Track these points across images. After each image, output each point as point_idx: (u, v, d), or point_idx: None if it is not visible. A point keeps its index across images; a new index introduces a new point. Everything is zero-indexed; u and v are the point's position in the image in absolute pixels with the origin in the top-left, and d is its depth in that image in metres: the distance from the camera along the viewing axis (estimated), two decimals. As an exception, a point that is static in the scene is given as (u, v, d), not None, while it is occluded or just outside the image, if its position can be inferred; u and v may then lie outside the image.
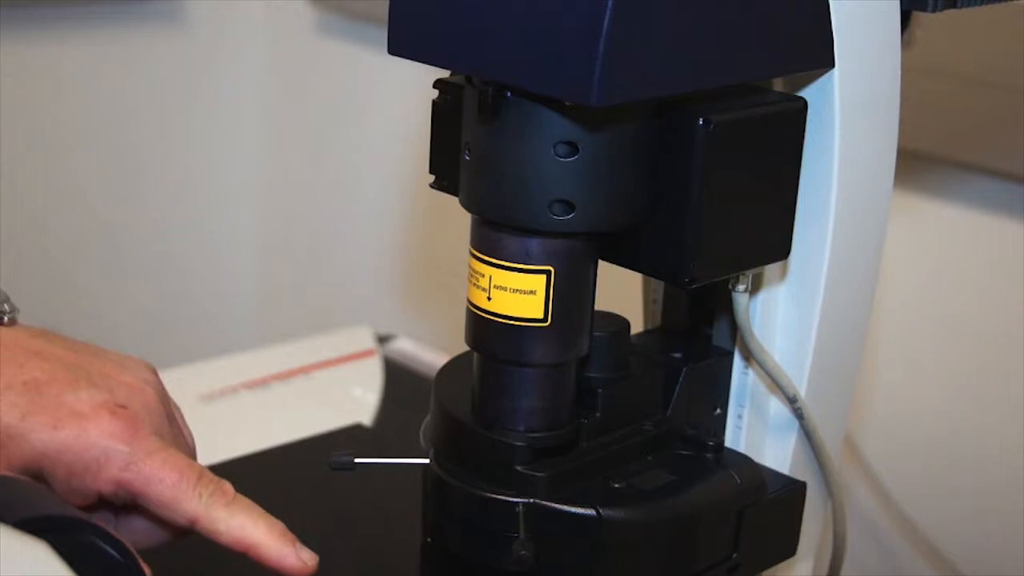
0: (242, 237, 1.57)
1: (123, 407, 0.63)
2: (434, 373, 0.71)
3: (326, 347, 1.15)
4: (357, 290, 1.46)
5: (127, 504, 0.63)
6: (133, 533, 0.65)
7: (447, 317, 1.33)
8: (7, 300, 0.68)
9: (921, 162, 1.05)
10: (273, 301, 1.54)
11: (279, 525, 0.64)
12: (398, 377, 1.12)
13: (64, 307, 1.44)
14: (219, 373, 1.10)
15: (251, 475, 0.94)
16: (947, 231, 1.08)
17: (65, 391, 0.62)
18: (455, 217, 0.69)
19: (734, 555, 0.69)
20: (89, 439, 0.61)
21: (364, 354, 1.15)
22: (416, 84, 0.68)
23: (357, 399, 1.08)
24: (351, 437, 0.99)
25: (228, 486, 0.64)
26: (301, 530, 0.87)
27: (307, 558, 0.63)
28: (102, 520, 0.63)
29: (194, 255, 1.57)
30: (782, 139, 0.66)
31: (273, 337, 1.20)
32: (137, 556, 0.60)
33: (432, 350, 1.16)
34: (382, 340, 1.18)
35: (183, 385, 1.08)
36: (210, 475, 0.63)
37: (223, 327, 1.52)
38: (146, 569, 0.60)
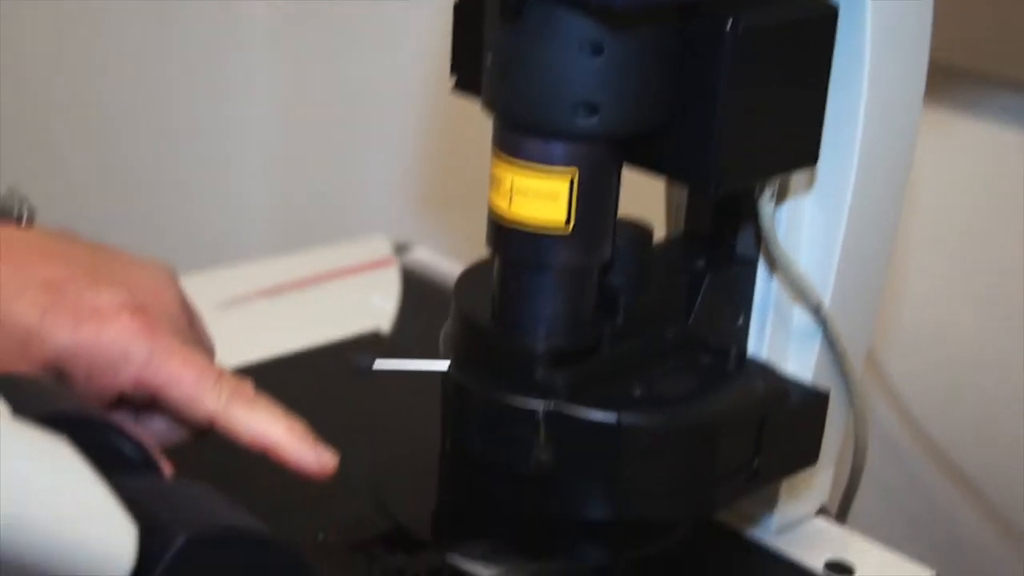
0: (260, 144, 1.56)
1: (143, 308, 0.63)
2: (452, 282, 0.71)
3: (343, 256, 1.15)
4: (375, 199, 1.46)
5: (146, 403, 0.63)
6: (152, 432, 0.65)
7: (465, 227, 1.32)
8: (25, 200, 0.68)
9: (952, 76, 1.04)
10: (290, 209, 1.53)
11: (299, 425, 0.64)
12: (416, 286, 1.12)
13: (78, 215, 1.44)
14: (236, 281, 1.10)
15: (268, 381, 0.93)
16: (978, 146, 1.06)
17: (85, 291, 0.62)
18: (475, 124, 0.68)
19: (754, 463, 0.69)
20: (109, 338, 0.61)
21: (382, 263, 1.14)
22: (437, 27, 0.67)
23: (375, 307, 1.08)
24: (369, 344, 0.99)
25: (248, 386, 0.64)
26: (321, 433, 0.87)
27: (327, 460, 0.64)
28: (122, 418, 0.63)
29: (211, 163, 1.56)
30: (811, 45, 0.65)
31: (290, 246, 1.20)
32: (155, 453, 0.60)
33: (450, 259, 1.16)
34: (400, 249, 1.18)
35: (199, 292, 1.07)
36: (230, 375, 0.63)
37: (240, 235, 1.51)
38: (167, 466, 0.60)
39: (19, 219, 0.68)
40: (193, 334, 0.67)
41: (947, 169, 1.07)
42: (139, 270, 0.66)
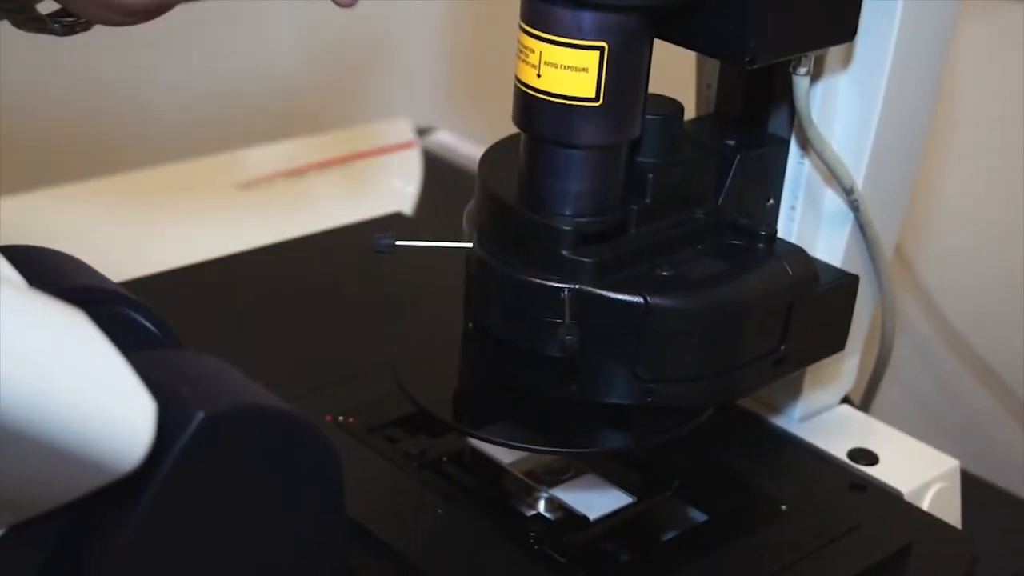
0: (282, 25, 1.53)
1: None
2: (474, 166, 0.69)
3: (365, 137, 1.12)
4: (398, 81, 1.43)
5: None
6: None
7: (488, 111, 1.30)
8: None
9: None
10: (311, 91, 1.51)
11: None
12: (437, 169, 1.10)
13: (105, 89, 1.41)
14: (256, 161, 1.08)
15: (291, 260, 0.92)
16: (1020, 31, 1.03)
17: None
18: (497, 7, 0.65)
19: (782, 347, 0.67)
20: None
21: (403, 145, 1.12)
22: None
23: (396, 190, 1.06)
24: (391, 225, 0.97)
25: None
26: (343, 314, 0.86)
27: None
28: None
29: (234, 41, 1.53)
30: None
31: (311, 127, 1.18)
32: (172, 330, 0.59)
33: (472, 143, 1.14)
34: (421, 132, 1.15)
35: (219, 173, 1.06)
36: None
37: (260, 115, 1.49)
38: None
39: None
40: None
41: (988, 55, 1.04)
42: None
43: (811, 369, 0.74)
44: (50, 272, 0.58)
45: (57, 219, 0.95)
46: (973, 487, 0.78)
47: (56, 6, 0.63)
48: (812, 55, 0.65)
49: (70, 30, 0.64)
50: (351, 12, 0.61)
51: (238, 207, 1.02)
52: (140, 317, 0.58)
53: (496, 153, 0.69)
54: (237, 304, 0.86)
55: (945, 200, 1.07)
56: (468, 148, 1.13)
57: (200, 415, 0.50)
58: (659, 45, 0.63)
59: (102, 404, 0.49)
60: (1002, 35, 1.02)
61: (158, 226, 0.97)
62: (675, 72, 0.73)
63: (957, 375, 1.08)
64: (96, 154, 1.36)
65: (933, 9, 0.69)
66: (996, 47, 1.03)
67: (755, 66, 0.61)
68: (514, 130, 0.65)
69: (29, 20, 0.63)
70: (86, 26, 0.63)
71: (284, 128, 1.17)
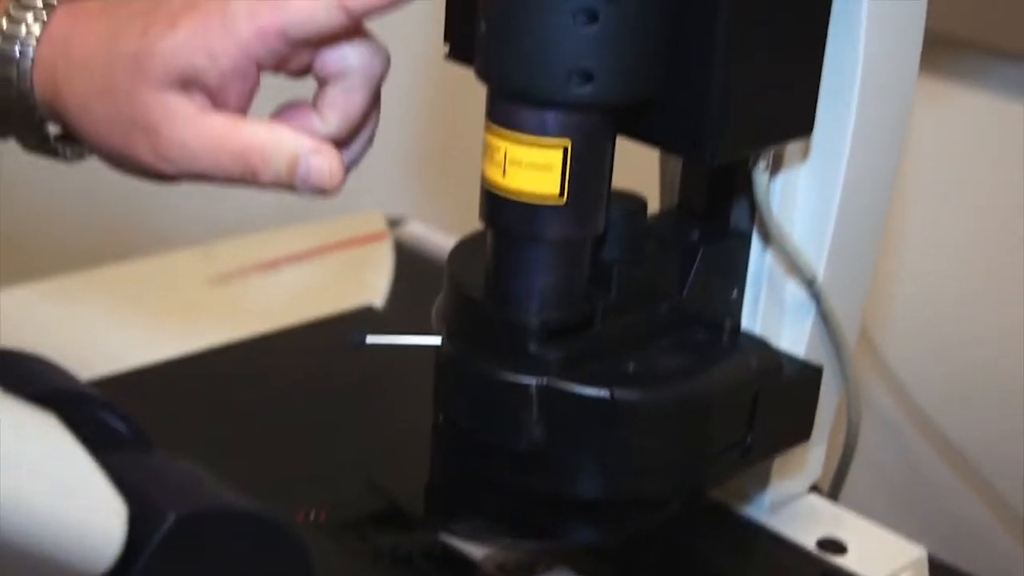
0: (252, 114, 1.55)
1: None
2: (445, 257, 0.70)
3: (337, 230, 1.13)
4: (368, 173, 1.44)
5: (293, 67, 0.61)
6: (337, 105, 0.62)
7: (458, 201, 1.31)
8: None
9: (949, 45, 1.03)
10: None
11: None
12: (409, 260, 1.11)
13: (70, 179, 1.42)
14: (229, 255, 1.09)
15: (263, 356, 0.93)
16: (976, 118, 1.05)
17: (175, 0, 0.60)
18: (468, 98, 0.67)
19: (747, 438, 0.68)
20: (207, 15, 0.58)
21: (375, 237, 1.13)
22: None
23: (368, 282, 1.06)
24: (362, 319, 0.98)
25: None
26: (313, 409, 0.86)
27: None
28: (297, 115, 0.61)
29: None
30: (807, 10, 0.64)
31: (284, 219, 1.19)
32: (144, 431, 0.59)
33: (443, 233, 1.15)
34: (393, 223, 1.16)
35: (193, 267, 1.07)
36: None
37: (233, 208, 1.50)
38: None
39: None
40: None
41: (944, 140, 1.06)
42: None
43: (778, 459, 0.75)
44: (21, 374, 0.59)
45: (26, 316, 0.95)
46: (942, 574, 0.79)
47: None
48: (771, 151, 0.67)
49: (78, 156, 0.65)
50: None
51: (210, 302, 1.02)
52: (112, 418, 0.58)
53: (464, 249, 0.70)
54: (209, 401, 0.87)
55: (906, 279, 1.09)
56: (439, 238, 1.14)
57: (171, 516, 0.51)
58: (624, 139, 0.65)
59: (73, 507, 0.49)
60: (954, 120, 1.05)
61: (130, 322, 0.98)
62: (640, 165, 0.74)
63: (925, 457, 1.09)
64: (66, 249, 1.36)
65: (888, 102, 0.70)
66: (949, 131, 1.05)
67: (716, 163, 0.62)
68: (483, 222, 0.66)
69: (38, 141, 0.64)
70: (91, 152, 0.64)
71: (257, 221, 1.18)
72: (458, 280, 0.67)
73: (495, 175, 0.63)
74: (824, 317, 0.72)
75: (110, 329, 0.96)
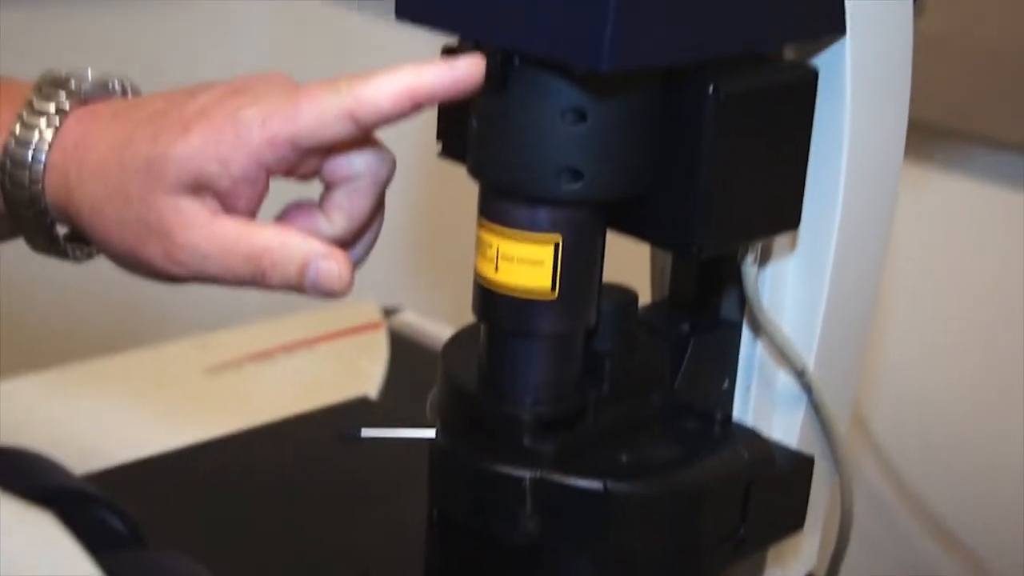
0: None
1: (244, 89, 0.61)
2: (440, 346, 0.70)
3: (332, 319, 1.14)
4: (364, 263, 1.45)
5: (302, 172, 0.61)
6: (344, 208, 0.62)
7: (453, 290, 1.32)
8: (127, 80, 0.66)
9: (932, 135, 1.04)
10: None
11: (427, 63, 0.60)
12: (404, 350, 1.11)
13: (67, 271, 1.43)
14: (224, 346, 1.09)
15: (257, 448, 0.93)
16: (960, 205, 1.06)
17: (186, 104, 0.61)
18: (462, 188, 0.68)
19: (741, 529, 0.68)
20: (219, 122, 0.59)
21: (370, 326, 1.14)
22: (424, 50, 0.67)
23: (363, 371, 1.07)
24: (357, 409, 0.98)
25: (364, 73, 0.60)
26: (309, 502, 0.86)
27: (469, 65, 0.59)
28: (302, 217, 0.62)
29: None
30: (792, 109, 0.65)
31: (279, 309, 1.19)
32: (141, 529, 0.60)
33: (438, 323, 1.15)
34: (388, 313, 1.17)
35: (188, 358, 1.07)
36: (342, 77, 0.60)
37: (228, 299, 1.51)
38: None
39: (123, 93, 0.66)
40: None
41: (929, 227, 1.07)
42: (238, 78, 0.63)
43: (773, 548, 0.75)
44: (17, 471, 0.59)
45: (22, 409, 0.95)
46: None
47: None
48: (759, 244, 0.68)
49: (87, 257, 0.66)
50: (315, 186, 0.64)
51: (206, 393, 1.03)
52: (109, 516, 0.59)
53: (458, 342, 0.71)
54: (204, 495, 0.87)
55: (897, 365, 1.10)
56: (434, 328, 1.15)
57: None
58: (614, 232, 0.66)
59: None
60: (936, 206, 1.06)
61: (126, 415, 0.98)
62: (631, 258, 0.75)
63: (921, 541, 1.09)
64: (62, 341, 1.37)
65: (873, 191, 0.71)
66: (932, 217, 1.06)
67: (703, 257, 0.63)
68: (477, 311, 0.67)
69: (47, 242, 0.65)
70: (101, 253, 0.65)
71: (252, 311, 1.19)
72: (452, 373, 0.67)
73: (487, 270, 0.64)
74: (815, 407, 0.72)
75: (107, 422, 0.96)
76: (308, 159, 0.61)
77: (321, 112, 0.58)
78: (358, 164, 0.62)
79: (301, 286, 0.61)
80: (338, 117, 0.59)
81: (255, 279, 0.60)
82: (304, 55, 1.54)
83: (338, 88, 0.59)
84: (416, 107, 0.59)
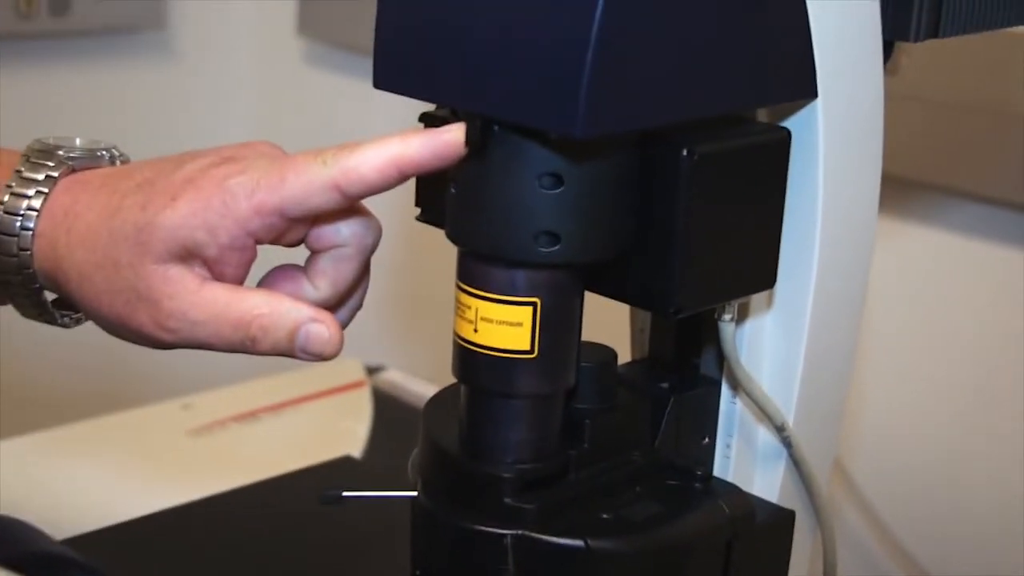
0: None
1: (232, 158, 0.62)
2: (423, 403, 0.71)
3: (315, 379, 1.15)
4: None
5: (289, 239, 0.62)
6: (328, 276, 0.63)
7: (436, 348, 1.32)
8: (116, 149, 0.67)
9: (906, 188, 1.06)
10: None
11: (412, 132, 0.61)
12: (388, 408, 1.12)
13: (41, 340, 1.43)
14: (208, 406, 1.10)
15: (241, 509, 0.93)
16: (933, 256, 1.08)
17: (173, 173, 0.61)
18: (442, 249, 0.69)
19: (723, 585, 0.68)
20: (207, 191, 0.60)
21: (353, 385, 1.14)
22: (402, 116, 0.68)
23: (347, 431, 1.07)
24: (340, 469, 0.98)
25: (351, 144, 0.61)
26: (291, 564, 0.87)
27: (455, 133, 0.60)
28: (289, 284, 0.63)
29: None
30: (766, 169, 0.66)
31: (263, 369, 1.20)
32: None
33: (421, 381, 1.16)
34: (371, 371, 1.18)
35: (172, 419, 1.07)
36: (329, 147, 0.61)
37: (210, 359, 1.51)
38: None
39: (112, 162, 0.66)
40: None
41: (904, 277, 1.08)
42: (226, 146, 0.64)
43: (755, 602, 0.75)
44: (4, 539, 0.59)
45: (2, 473, 0.95)
46: None
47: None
48: (736, 302, 0.68)
49: (76, 323, 0.67)
50: (300, 251, 0.65)
51: (190, 454, 1.03)
52: (87, 580, 0.59)
53: (438, 402, 0.71)
54: (187, 557, 0.87)
55: (876, 412, 1.10)
56: (418, 386, 1.15)
57: None
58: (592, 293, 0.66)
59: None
60: (912, 257, 1.07)
61: (110, 478, 0.98)
62: (610, 317, 0.76)
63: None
64: (43, 403, 1.37)
65: (849, 246, 0.72)
66: (908, 268, 1.07)
67: (680, 316, 0.64)
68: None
69: (36, 309, 0.65)
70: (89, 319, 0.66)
71: (235, 371, 1.19)
72: (433, 433, 0.68)
73: (467, 331, 0.64)
74: (796, 462, 0.73)
75: (89, 486, 0.96)
76: (295, 227, 0.62)
77: (308, 182, 0.59)
78: (344, 232, 0.63)
79: (291, 351, 0.62)
80: (324, 188, 0.59)
81: (245, 345, 0.61)
82: (288, 118, 1.55)
83: (324, 159, 0.60)
84: (402, 178, 0.60)
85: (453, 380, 0.68)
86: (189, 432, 1.06)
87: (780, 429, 0.72)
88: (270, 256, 0.65)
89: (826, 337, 0.72)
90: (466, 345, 0.65)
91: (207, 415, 1.08)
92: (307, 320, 0.61)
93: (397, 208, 0.78)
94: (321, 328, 0.61)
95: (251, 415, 1.09)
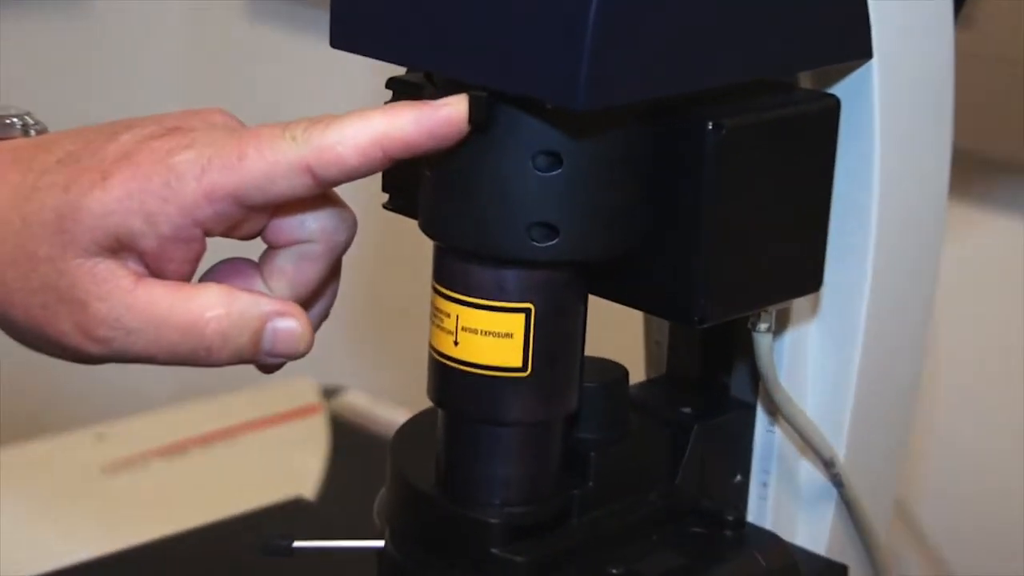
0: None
1: (177, 129, 0.61)
2: (390, 433, 0.72)
3: (259, 403, 1.15)
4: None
5: (244, 232, 0.61)
6: (283, 272, 0.63)
7: (406, 365, 1.33)
8: (29, 116, 0.66)
9: (983, 166, 1.06)
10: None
11: (396, 103, 0.60)
12: (348, 438, 1.12)
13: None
14: (126, 437, 1.10)
15: (167, 564, 0.94)
16: (1017, 248, 1.08)
17: (104, 146, 0.60)
18: (414, 244, 0.69)
19: (759, 655, 0.69)
20: (145, 168, 0.59)
21: (306, 410, 1.15)
22: (365, 82, 0.69)
23: (297, 467, 1.08)
24: (289, 514, 0.99)
25: (323, 115, 0.60)
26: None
27: (454, 106, 0.59)
28: (244, 280, 0.62)
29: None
30: (809, 146, 0.67)
31: (192, 390, 1.20)
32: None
33: (388, 405, 1.16)
34: (328, 393, 1.18)
35: (82, 453, 1.08)
36: (297, 120, 0.60)
37: (130, 379, 1.52)
38: None
39: (25, 132, 0.66)
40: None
41: (981, 276, 1.09)
42: (169, 113, 0.63)
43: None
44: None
45: None
46: None
47: None
48: (773, 309, 0.69)
49: None
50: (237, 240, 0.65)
51: (103, 496, 1.04)
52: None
53: (410, 431, 0.72)
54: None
55: (945, 444, 1.11)
56: (384, 410, 1.16)
57: None
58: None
59: None
60: (992, 253, 1.08)
61: (3, 525, 0.98)
62: (620, 325, 0.76)
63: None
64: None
65: (912, 239, 0.73)
66: (980, 265, 1.08)
67: (706, 325, 0.64)
68: (434, 393, 0.68)
69: None
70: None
71: (157, 394, 1.20)
72: (404, 470, 0.69)
73: (445, 344, 0.65)
74: (848, 504, 0.73)
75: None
76: (253, 217, 0.61)
77: (272, 163, 0.59)
78: (311, 226, 0.62)
79: (256, 356, 0.61)
80: (292, 170, 0.59)
81: (197, 356, 0.60)
82: (227, 83, 1.55)
83: (293, 134, 0.59)
84: (387, 161, 0.59)
85: (428, 404, 0.69)
86: (103, 468, 1.07)
87: (829, 464, 0.72)
88: (219, 250, 0.64)
89: (885, 351, 0.73)
90: (444, 361, 0.65)
91: (125, 447, 1.09)
92: (273, 314, 0.61)
93: (360, 193, 0.78)
94: (290, 322, 0.61)
95: (178, 447, 1.10)
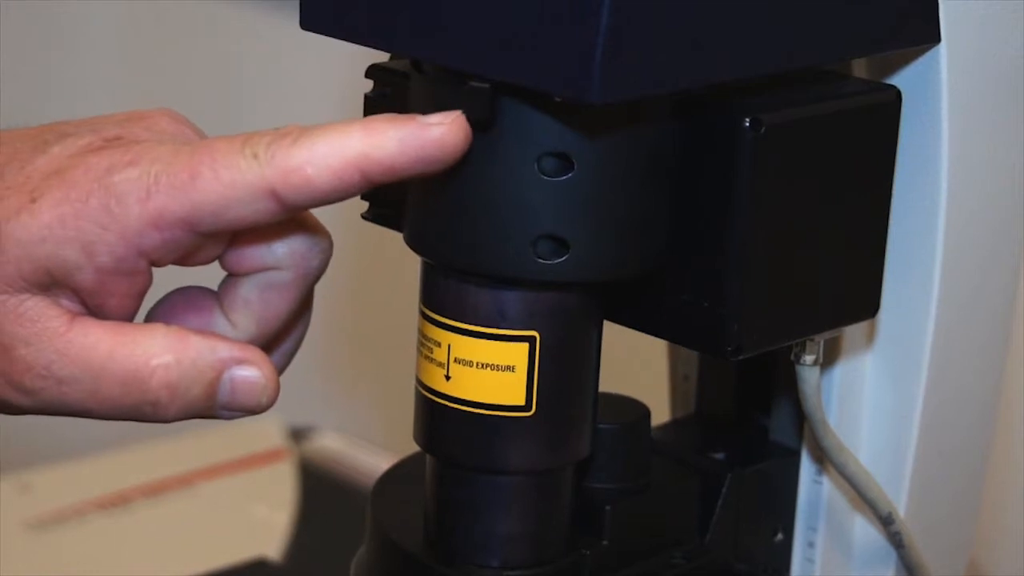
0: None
1: (118, 139, 0.61)
2: (369, 482, 0.72)
3: (217, 446, 1.15)
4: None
5: (198, 260, 0.61)
6: (248, 304, 0.62)
7: (388, 403, 1.33)
8: None
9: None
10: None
11: (377, 117, 0.60)
12: (319, 487, 1.12)
13: None
14: (57, 487, 1.10)
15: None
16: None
17: (31, 159, 0.60)
18: (397, 262, 0.70)
19: None
20: (81, 189, 0.59)
21: (271, 455, 1.15)
22: (341, 69, 0.69)
23: (260, 522, 1.08)
24: (251, 578, 1.00)
25: (290, 126, 0.59)
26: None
27: (448, 122, 0.59)
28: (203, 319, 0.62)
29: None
30: (865, 145, 0.67)
31: (134, 432, 1.21)
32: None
33: (366, 449, 1.16)
34: (297, 435, 1.18)
35: (5, 505, 1.08)
36: (259, 133, 0.59)
37: (63, 418, 1.52)
38: None
39: None
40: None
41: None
42: (112, 117, 0.63)
43: None
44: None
45: None
46: None
47: None
48: (821, 339, 0.70)
49: None
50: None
51: (29, 557, 1.04)
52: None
53: (393, 480, 0.72)
54: None
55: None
56: (362, 454, 1.16)
57: None
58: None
59: None
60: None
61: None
62: (641, 358, 0.77)
63: None
64: None
65: (985, 262, 0.73)
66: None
67: (742, 357, 0.65)
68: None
69: None
70: None
71: (93, 438, 1.20)
72: (386, 525, 0.69)
73: (435, 379, 0.66)
74: (910, 569, 0.74)
75: None
76: (208, 244, 0.61)
77: (230, 183, 0.58)
78: (279, 250, 0.62)
79: (211, 410, 0.61)
80: (253, 193, 0.58)
81: (142, 412, 0.60)
82: (176, 71, 1.56)
83: (255, 150, 0.59)
84: (368, 185, 0.59)
85: (414, 448, 0.69)
86: (29, 524, 1.07)
87: (887, 521, 0.73)
88: (169, 274, 0.64)
89: (954, 387, 0.74)
90: (434, 398, 0.66)
91: (55, 499, 1.09)
92: (230, 362, 0.61)
93: (336, 206, 0.79)
94: (250, 371, 0.61)
95: (120, 499, 1.10)
